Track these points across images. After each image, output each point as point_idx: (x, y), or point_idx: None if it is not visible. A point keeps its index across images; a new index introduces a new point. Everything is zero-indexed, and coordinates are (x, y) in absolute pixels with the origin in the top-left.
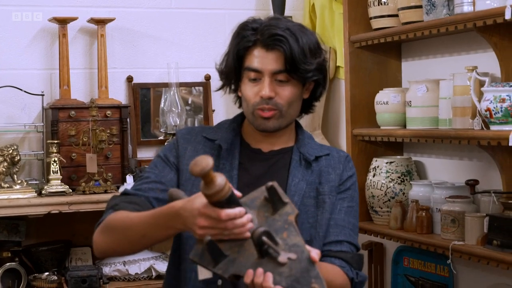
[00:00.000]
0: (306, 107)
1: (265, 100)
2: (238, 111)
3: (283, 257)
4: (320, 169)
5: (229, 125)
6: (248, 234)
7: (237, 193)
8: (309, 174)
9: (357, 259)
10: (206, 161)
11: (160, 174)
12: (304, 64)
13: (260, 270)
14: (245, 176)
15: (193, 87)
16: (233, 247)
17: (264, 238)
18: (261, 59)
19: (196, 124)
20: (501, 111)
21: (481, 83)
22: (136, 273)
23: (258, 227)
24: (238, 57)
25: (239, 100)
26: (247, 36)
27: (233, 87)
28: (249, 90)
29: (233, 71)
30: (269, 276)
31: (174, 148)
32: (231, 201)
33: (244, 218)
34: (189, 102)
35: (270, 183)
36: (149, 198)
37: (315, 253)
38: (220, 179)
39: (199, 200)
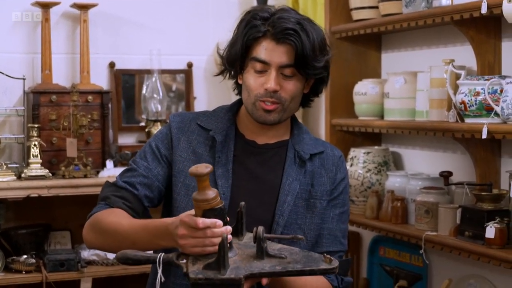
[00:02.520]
0: (304, 101)
1: (269, 93)
2: (220, 99)
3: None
4: (313, 170)
5: (224, 114)
6: (229, 237)
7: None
8: (302, 174)
9: (343, 265)
10: (206, 166)
11: (149, 167)
12: (313, 61)
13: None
14: (240, 170)
15: (177, 74)
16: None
17: (267, 235)
18: (269, 51)
19: (179, 110)
20: (475, 104)
21: (457, 76)
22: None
23: (257, 228)
24: (246, 46)
25: (238, 87)
26: (257, 26)
27: (232, 73)
28: (253, 80)
29: (239, 59)
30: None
31: (167, 139)
32: (219, 216)
33: (222, 228)
34: (173, 89)
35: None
36: (139, 196)
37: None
38: (213, 190)
39: (185, 213)
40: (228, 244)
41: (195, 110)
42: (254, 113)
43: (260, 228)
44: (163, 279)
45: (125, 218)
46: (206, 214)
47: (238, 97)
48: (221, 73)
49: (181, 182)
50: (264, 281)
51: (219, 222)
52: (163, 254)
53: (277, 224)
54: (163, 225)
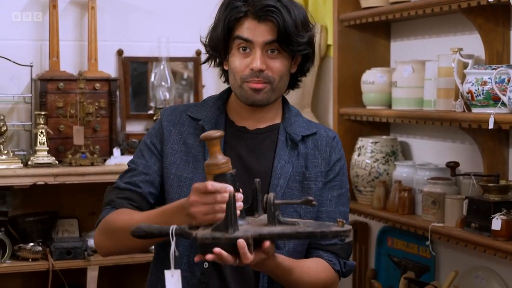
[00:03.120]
0: (293, 82)
1: (256, 73)
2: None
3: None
4: (307, 152)
5: (214, 103)
6: (240, 204)
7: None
8: (295, 156)
9: (345, 248)
10: (218, 131)
11: (147, 164)
12: (296, 36)
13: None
14: (231, 157)
15: (186, 62)
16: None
17: (278, 201)
18: (252, 30)
19: (186, 101)
20: (483, 93)
21: (465, 65)
22: None
23: (268, 194)
24: (228, 28)
25: (225, 74)
26: (238, 7)
27: (218, 60)
28: (238, 62)
29: (222, 42)
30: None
31: (159, 133)
32: (229, 182)
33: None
34: (185, 77)
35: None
36: (144, 194)
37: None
38: (224, 156)
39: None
40: (239, 211)
41: (203, 98)
42: (242, 95)
43: (271, 194)
44: (177, 253)
45: (135, 213)
46: (217, 179)
47: None
48: (207, 60)
49: (173, 173)
50: (267, 243)
51: (229, 187)
52: (175, 225)
53: None
54: (179, 203)
